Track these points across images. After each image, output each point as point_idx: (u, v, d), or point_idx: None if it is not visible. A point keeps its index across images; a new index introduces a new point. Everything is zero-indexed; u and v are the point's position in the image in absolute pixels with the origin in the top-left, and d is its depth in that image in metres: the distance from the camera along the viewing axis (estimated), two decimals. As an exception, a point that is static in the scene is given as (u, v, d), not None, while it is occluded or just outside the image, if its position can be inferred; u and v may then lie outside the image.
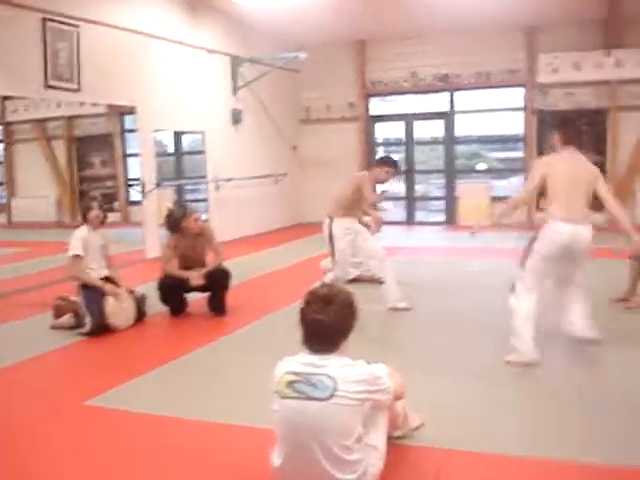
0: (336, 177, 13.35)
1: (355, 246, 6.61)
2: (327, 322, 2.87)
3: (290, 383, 2.85)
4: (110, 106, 9.95)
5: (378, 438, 3.05)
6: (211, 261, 6.63)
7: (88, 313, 5.81)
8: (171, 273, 6.39)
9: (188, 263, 6.48)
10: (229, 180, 11.64)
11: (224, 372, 4.89)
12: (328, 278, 6.53)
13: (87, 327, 5.80)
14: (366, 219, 6.97)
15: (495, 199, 13.37)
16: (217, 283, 6.47)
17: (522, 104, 13.35)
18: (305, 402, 2.80)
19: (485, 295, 6.97)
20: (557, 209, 4.80)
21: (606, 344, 5.07)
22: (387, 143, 16.62)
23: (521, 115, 13.42)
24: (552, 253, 4.81)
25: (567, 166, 4.84)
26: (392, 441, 3.22)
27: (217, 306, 6.50)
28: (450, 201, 14.22)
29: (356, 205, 6.55)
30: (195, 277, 6.31)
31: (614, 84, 12.44)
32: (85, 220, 6.08)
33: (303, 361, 2.90)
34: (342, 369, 2.84)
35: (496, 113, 14.15)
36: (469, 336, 5.60)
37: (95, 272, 6.09)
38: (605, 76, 12.38)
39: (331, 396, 2.78)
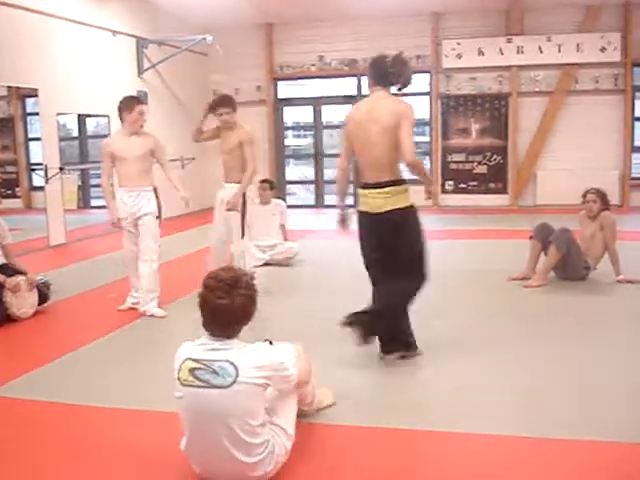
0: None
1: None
2: (233, 307, 2.82)
3: (192, 370, 2.83)
4: (10, 88, 9.64)
5: (287, 420, 3.08)
6: None
7: (-13, 304, 5.65)
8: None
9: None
10: (136, 164, 11.43)
11: (127, 360, 4.84)
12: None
13: (-14, 318, 5.63)
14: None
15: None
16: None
17: (428, 89, 13.59)
18: (208, 390, 2.79)
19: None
20: None
21: (505, 321, 5.35)
22: (297, 127, 16.66)
23: (427, 100, 13.67)
24: None
25: None
26: (299, 420, 3.26)
27: None
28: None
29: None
30: None
31: (515, 70, 12.84)
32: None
33: (204, 347, 2.87)
34: (244, 354, 2.83)
35: (403, 98, 14.34)
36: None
37: (-8, 261, 5.92)
38: (506, 62, 12.79)
39: (233, 383, 2.77)
